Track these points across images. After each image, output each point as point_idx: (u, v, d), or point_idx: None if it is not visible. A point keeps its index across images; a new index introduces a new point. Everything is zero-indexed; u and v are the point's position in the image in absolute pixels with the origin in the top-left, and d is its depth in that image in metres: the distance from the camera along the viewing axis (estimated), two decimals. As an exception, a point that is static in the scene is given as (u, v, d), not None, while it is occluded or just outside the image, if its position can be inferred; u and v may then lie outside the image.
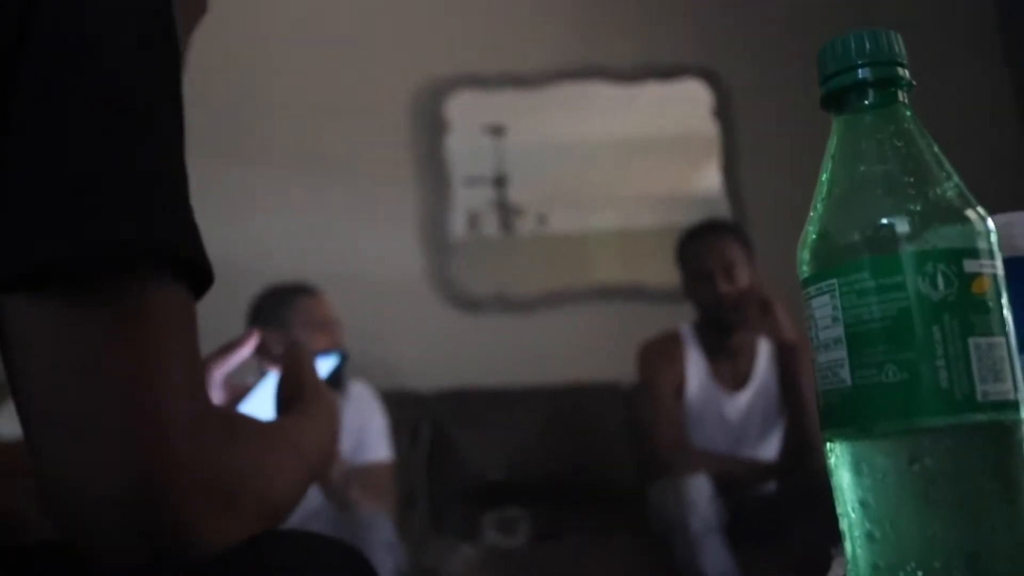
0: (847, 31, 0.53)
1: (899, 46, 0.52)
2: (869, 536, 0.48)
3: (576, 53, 3.31)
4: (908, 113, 0.52)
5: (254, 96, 3.23)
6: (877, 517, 0.48)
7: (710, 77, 3.33)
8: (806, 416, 2.29)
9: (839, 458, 0.50)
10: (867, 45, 0.52)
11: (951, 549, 0.46)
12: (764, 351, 2.47)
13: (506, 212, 3.28)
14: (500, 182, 3.30)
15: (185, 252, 0.47)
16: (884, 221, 0.49)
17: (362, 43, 3.32)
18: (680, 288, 2.52)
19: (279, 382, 0.69)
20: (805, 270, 0.53)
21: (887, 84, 0.52)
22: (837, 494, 0.50)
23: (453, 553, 2.47)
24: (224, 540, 0.45)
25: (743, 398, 2.47)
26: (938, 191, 0.50)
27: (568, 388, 2.96)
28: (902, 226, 0.48)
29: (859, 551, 0.49)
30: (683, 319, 2.56)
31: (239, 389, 0.84)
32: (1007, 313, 0.49)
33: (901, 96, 0.52)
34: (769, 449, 2.44)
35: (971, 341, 0.47)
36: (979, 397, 0.46)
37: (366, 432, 2.43)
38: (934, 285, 0.47)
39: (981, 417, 0.46)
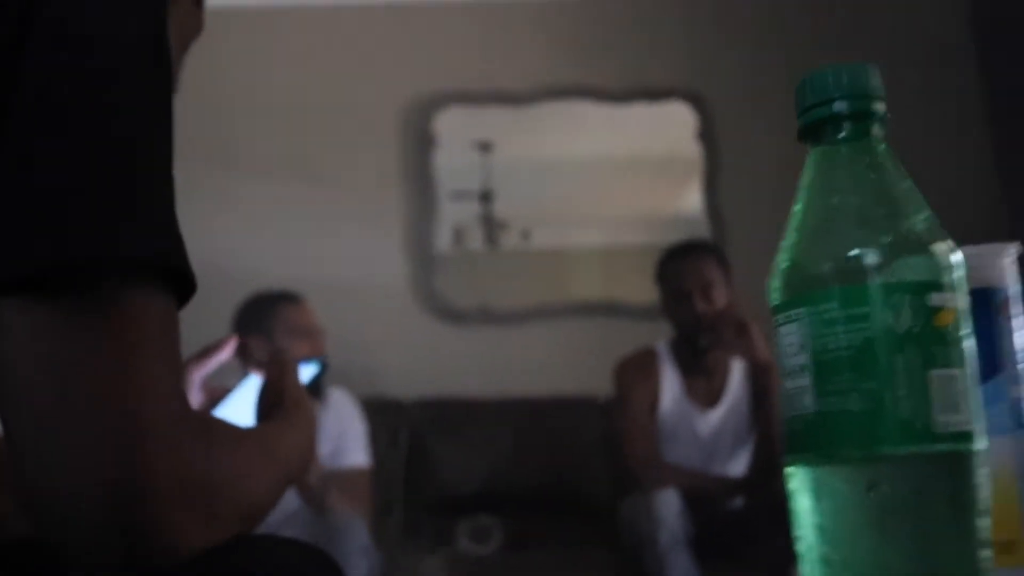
0: (829, 61, 0.54)
1: (876, 80, 0.53)
2: (825, 560, 0.49)
3: (565, 72, 3.33)
4: (883, 146, 0.53)
5: (244, 107, 3.24)
6: (833, 541, 0.49)
7: (696, 100, 3.36)
8: (776, 435, 2.31)
9: (800, 483, 0.51)
10: (844, 79, 0.53)
11: (904, 575, 0.47)
12: (737, 370, 2.49)
13: (491, 227, 3.30)
14: (486, 197, 3.31)
15: (168, 260, 0.47)
16: (854, 252, 0.49)
17: (353, 57, 3.33)
18: (658, 306, 2.54)
19: (262, 389, 0.70)
20: (776, 297, 0.53)
21: (862, 118, 0.53)
22: (796, 518, 0.51)
23: (426, 559, 2.48)
24: (200, 543, 0.46)
25: (715, 415, 2.49)
26: (909, 224, 0.50)
27: (546, 401, 2.96)
28: (871, 258, 0.49)
29: (815, 574, 0.49)
30: (660, 336, 2.58)
31: (217, 391, 0.84)
32: (967, 344, 0.50)
33: (876, 130, 0.53)
34: (739, 466, 2.46)
35: (932, 373, 0.48)
36: (937, 428, 0.47)
37: (345, 437, 2.44)
38: (899, 317, 0.48)
39: (939, 447, 0.47)
